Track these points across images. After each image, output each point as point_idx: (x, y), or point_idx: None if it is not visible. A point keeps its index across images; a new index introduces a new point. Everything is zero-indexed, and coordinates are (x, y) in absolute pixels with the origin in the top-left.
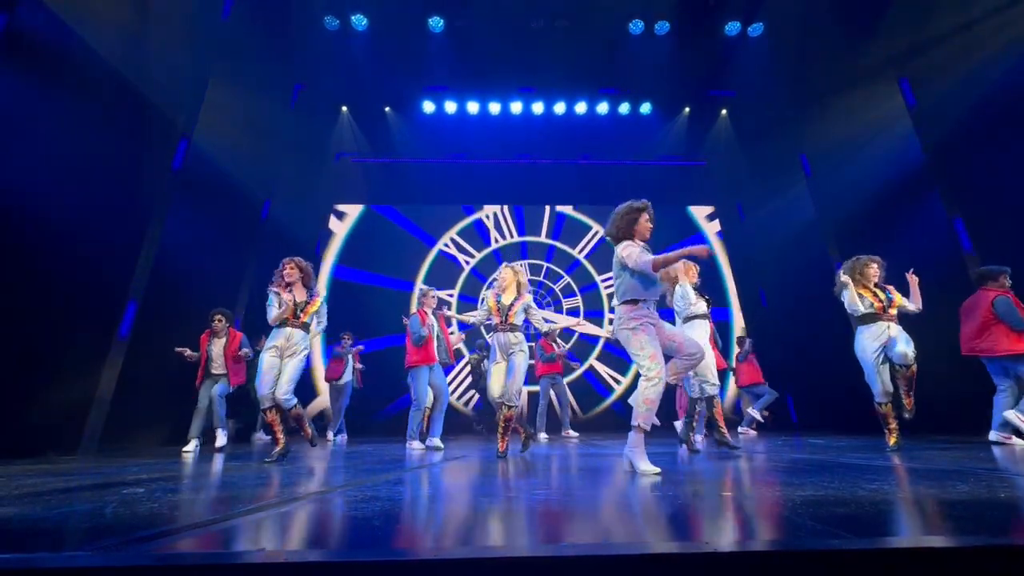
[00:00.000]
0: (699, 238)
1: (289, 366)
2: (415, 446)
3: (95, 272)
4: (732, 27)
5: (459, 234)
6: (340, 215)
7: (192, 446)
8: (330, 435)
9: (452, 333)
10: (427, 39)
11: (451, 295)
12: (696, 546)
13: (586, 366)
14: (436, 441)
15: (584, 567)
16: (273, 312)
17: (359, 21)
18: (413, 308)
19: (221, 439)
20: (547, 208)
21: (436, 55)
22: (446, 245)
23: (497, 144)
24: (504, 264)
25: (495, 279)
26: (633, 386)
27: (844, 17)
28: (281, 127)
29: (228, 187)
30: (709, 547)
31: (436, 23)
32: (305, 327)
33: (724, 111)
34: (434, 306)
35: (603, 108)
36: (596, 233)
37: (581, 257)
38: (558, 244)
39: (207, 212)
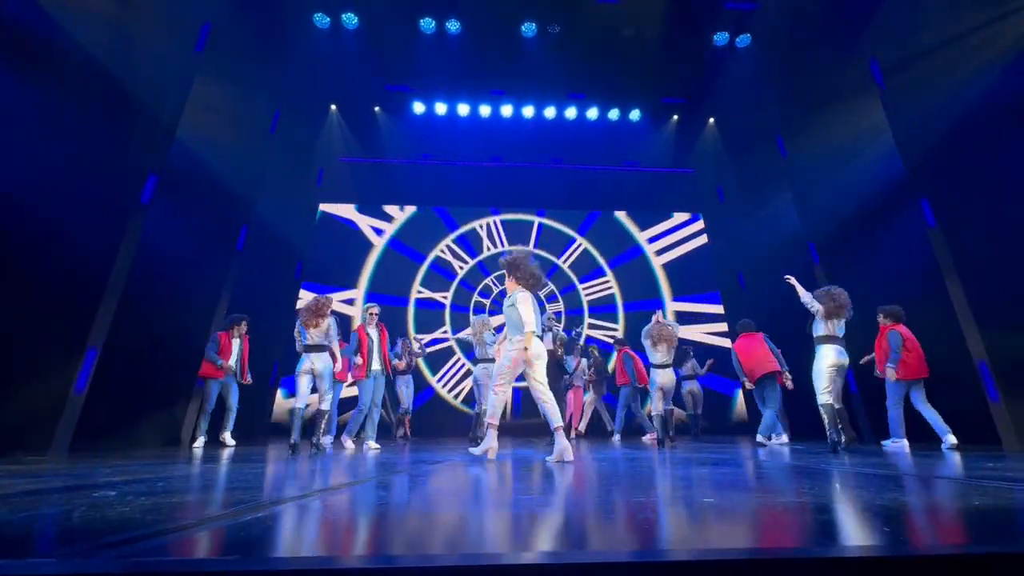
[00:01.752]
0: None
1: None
2: (348, 444)
3: (71, 268)
4: (721, 37)
5: (453, 242)
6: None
7: (201, 443)
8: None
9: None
10: (418, 40)
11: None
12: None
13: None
14: (373, 444)
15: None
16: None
17: (349, 20)
18: (356, 324)
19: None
20: (535, 219)
21: (427, 56)
22: (441, 252)
23: (486, 147)
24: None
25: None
26: None
27: (828, 32)
28: (268, 126)
29: (213, 185)
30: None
31: (428, 24)
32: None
33: (712, 120)
34: (374, 322)
35: (592, 114)
36: (577, 243)
37: (560, 263)
38: (538, 252)
39: (190, 210)
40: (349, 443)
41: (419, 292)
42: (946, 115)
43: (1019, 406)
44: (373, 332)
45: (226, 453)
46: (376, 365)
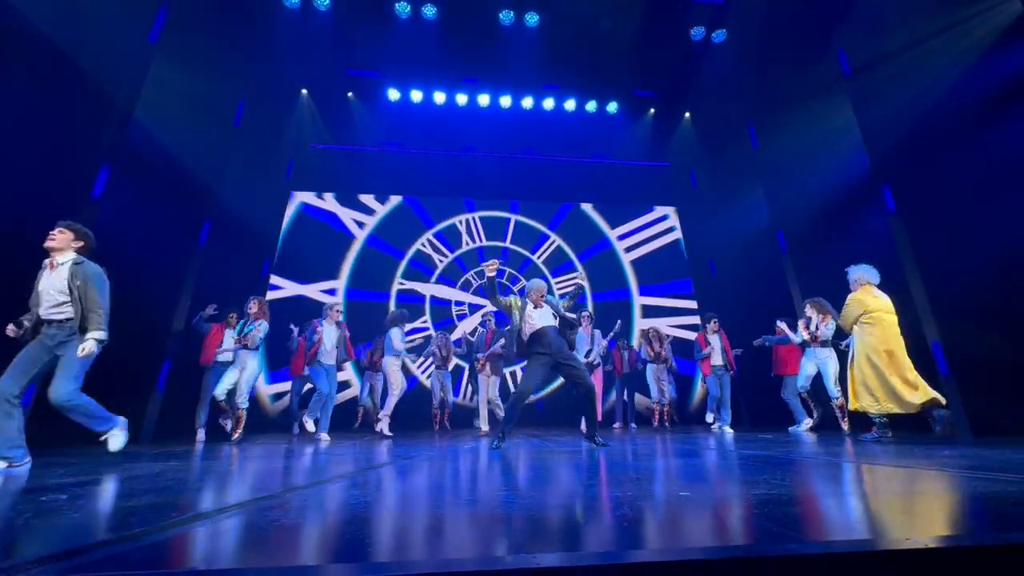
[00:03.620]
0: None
1: None
2: (308, 424)
3: (22, 259)
4: (697, 32)
5: (433, 237)
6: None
7: (202, 435)
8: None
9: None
10: (393, 24)
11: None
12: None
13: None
14: (324, 436)
15: None
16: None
17: (321, 1)
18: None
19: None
20: (511, 217)
21: (402, 42)
22: (423, 245)
23: (462, 137)
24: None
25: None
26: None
27: (802, 29)
28: (234, 110)
29: (173, 176)
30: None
31: (403, 8)
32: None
33: (687, 114)
34: (338, 319)
35: (570, 105)
36: (550, 239)
37: (534, 258)
38: (512, 247)
39: (150, 197)
40: (309, 424)
41: (400, 284)
42: (911, 110)
43: (974, 401)
44: (329, 327)
45: (197, 449)
46: (327, 359)
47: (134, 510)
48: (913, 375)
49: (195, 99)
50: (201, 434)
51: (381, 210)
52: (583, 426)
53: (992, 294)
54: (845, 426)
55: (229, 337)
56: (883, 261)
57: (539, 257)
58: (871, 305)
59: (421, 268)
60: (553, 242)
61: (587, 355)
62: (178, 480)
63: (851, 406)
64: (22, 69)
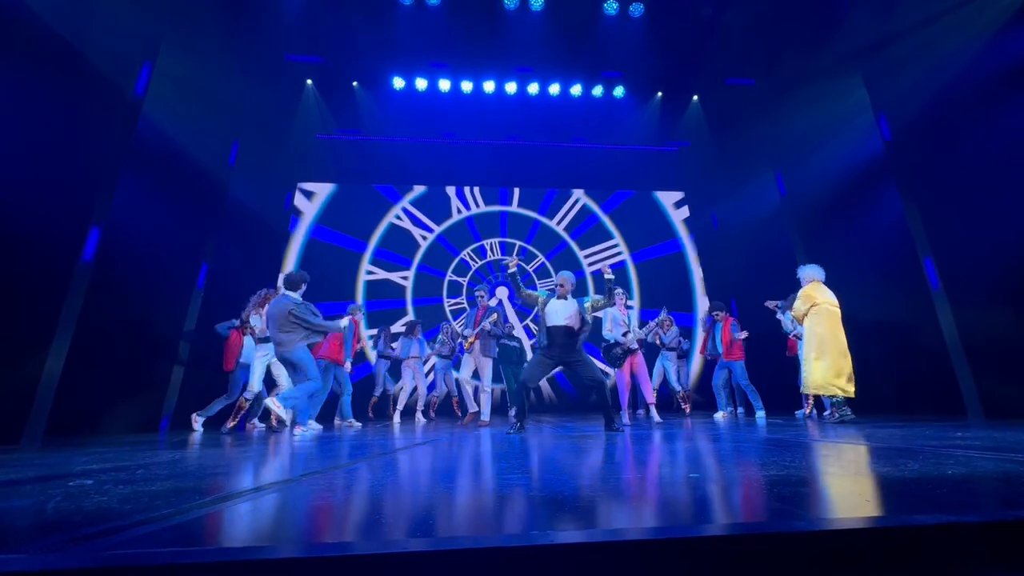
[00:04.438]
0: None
1: None
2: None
3: (38, 250)
4: (705, 12)
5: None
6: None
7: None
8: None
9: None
10: (396, 11)
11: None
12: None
13: None
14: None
15: (568, 555)
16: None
17: None
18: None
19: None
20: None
21: (407, 29)
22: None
23: (467, 125)
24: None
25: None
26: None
27: (811, 10)
28: (241, 99)
29: (184, 162)
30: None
31: None
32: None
33: (696, 97)
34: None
35: (576, 90)
36: (538, 222)
37: (528, 246)
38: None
39: (161, 188)
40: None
41: (451, 279)
42: (925, 88)
43: (987, 384)
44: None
45: (208, 438)
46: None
47: (158, 493)
48: (849, 364)
49: (204, 87)
50: (198, 423)
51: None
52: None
53: (1006, 276)
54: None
55: (249, 343)
56: (896, 243)
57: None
58: (819, 299)
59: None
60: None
61: (624, 335)
62: (200, 467)
63: (802, 389)
64: (35, 62)
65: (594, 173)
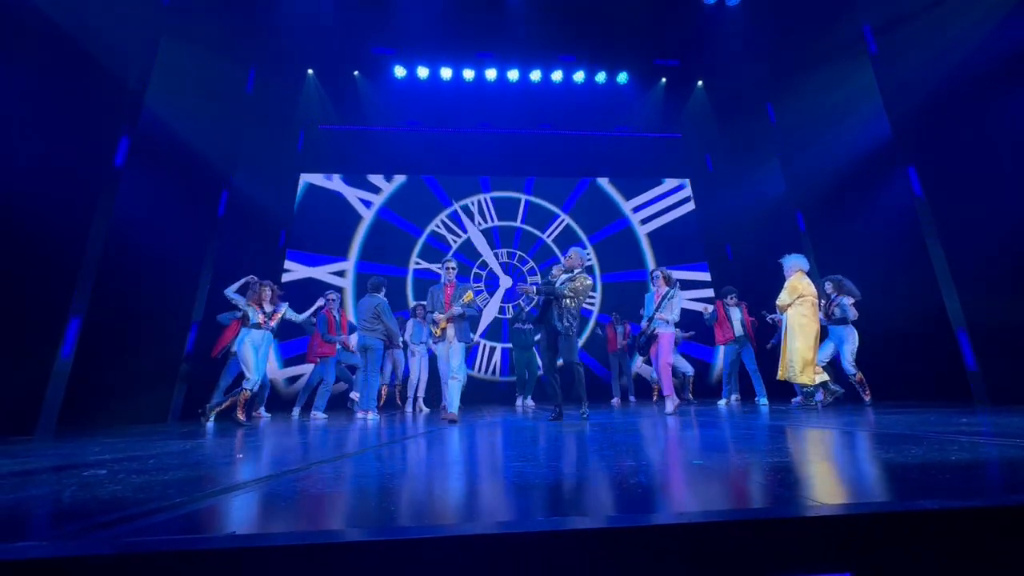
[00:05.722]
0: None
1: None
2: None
3: (45, 243)
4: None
5: (444, 220)
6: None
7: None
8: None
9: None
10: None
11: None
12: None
13: None
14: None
15: (572, 540)
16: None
17: None
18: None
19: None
20: (521, 197)
21: (408, 17)
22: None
23: (469, 113)
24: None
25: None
26: None
27: None
28: (243, 91)
29: (188, 150)
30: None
31: None
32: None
33: (700, 82)
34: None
35: (579, 77)
36: (560, 219)
37: (546, 238)
38: (525, 227)
39: (165, 181)
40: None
41: (416, 264)
42: (933, 73)
43: (993, 370)
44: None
45: (232, 428)
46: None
47: (171, 482)
48: (817, 354)
49: (205, 75)
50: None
51: (387, 188)
52: (613, 401)
53: (1013, 261)
54: (867, 397)
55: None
56: (904, 229)
57: (549, 236)
58: (804, 290)
59: (437, 246)
60: (563, 221)
61: (650, 319)
62: (211, 456)
63: (779, 376)
64: (36, 52)
65: (608, 160)
